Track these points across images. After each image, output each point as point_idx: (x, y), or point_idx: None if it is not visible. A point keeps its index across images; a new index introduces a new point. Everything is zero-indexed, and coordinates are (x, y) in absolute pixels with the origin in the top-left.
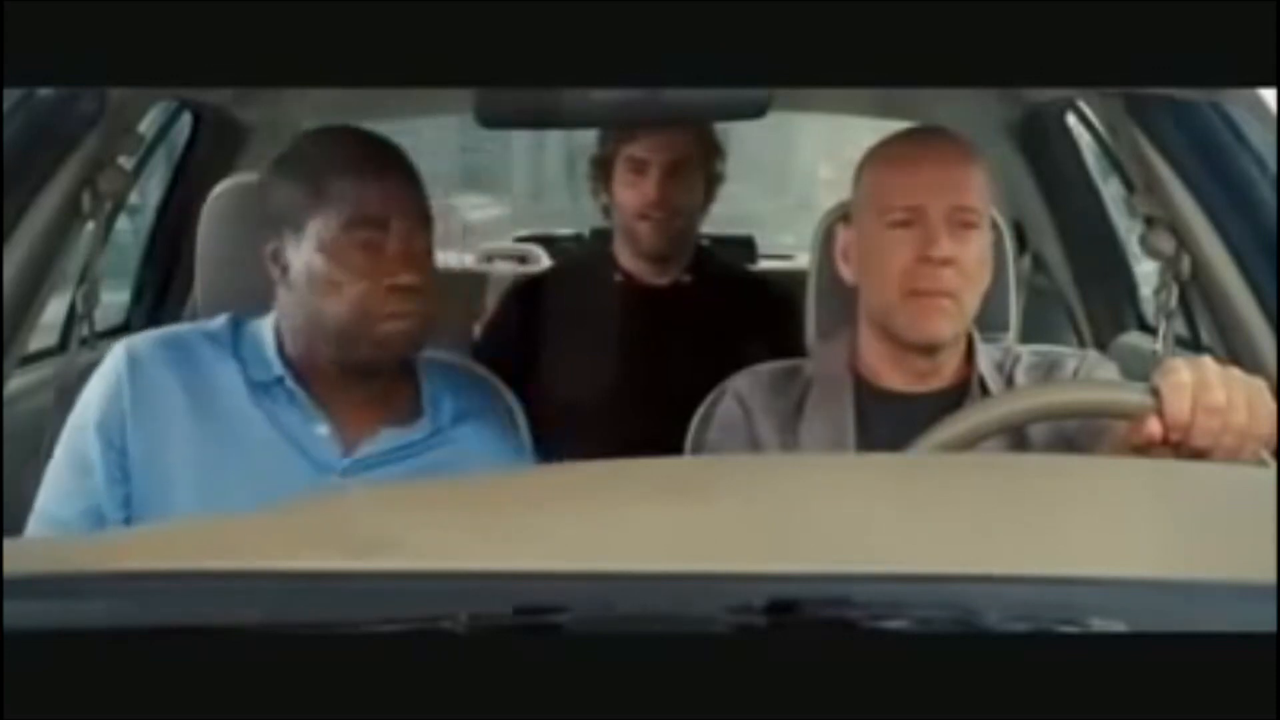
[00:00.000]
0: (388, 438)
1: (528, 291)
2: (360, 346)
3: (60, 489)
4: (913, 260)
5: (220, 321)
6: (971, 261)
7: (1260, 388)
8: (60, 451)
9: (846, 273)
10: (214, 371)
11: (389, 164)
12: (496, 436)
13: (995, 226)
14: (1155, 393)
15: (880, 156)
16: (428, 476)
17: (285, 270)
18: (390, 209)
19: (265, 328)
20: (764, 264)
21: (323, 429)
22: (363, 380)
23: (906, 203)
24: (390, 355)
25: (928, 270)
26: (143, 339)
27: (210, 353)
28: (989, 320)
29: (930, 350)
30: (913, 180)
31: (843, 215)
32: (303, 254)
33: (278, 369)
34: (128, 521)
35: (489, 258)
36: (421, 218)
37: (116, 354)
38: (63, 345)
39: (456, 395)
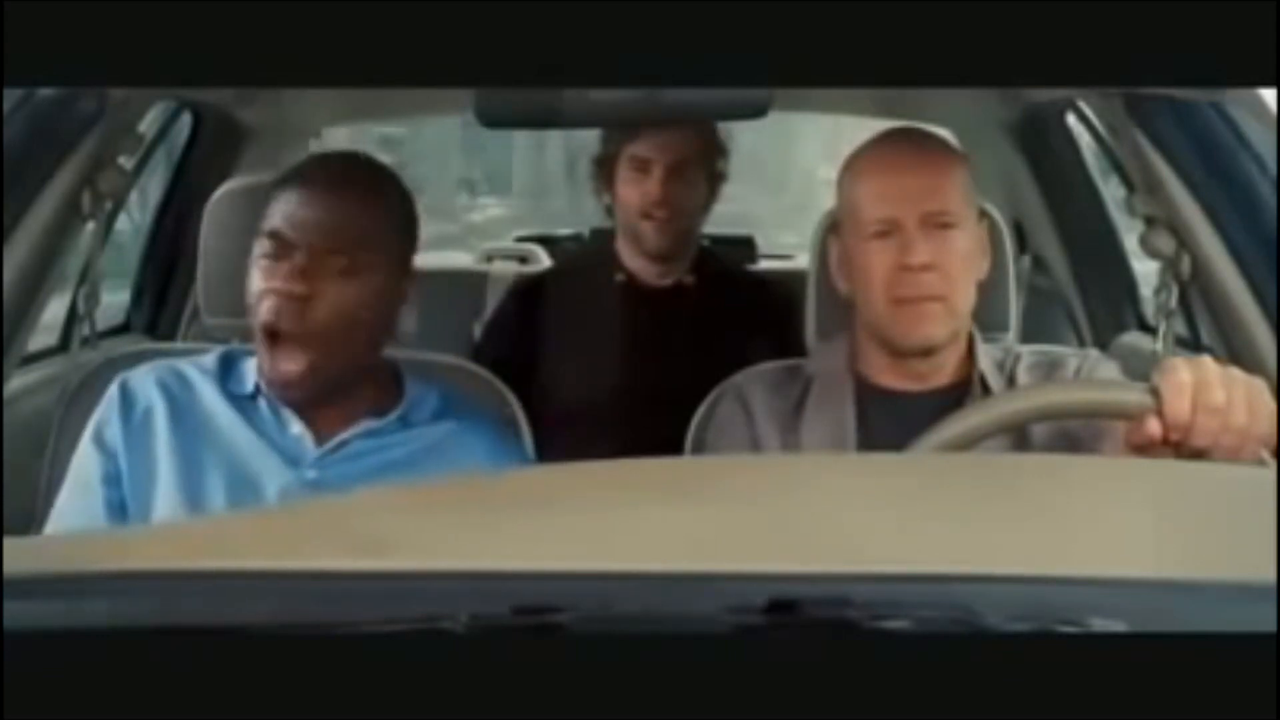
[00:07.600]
0: (357, 428)
1: (528, 291)
2: (264, 355)
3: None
4: (893, 269)
5: (211, 356)
6: (954, 262)
7: (1260, 388)
8: (66, 481)
9: (840, 284)
10: (199, 391)
11: (313, 181)
12: (490, 436)
13: (993, 225)
14: (1155, 393)
15: (853, 169)
16: (405, 471)
17: None
18: (299, 225)
19: (252, 358)
20: (764, 264)
21: (296, 428)
22: (326, 384)
23: (880, 215)
24: (290, 371)
25: (909, 277)
26: (136, 371)
27: (197, 377)
28: (989, 320)
29: (926, 353)
30: (884, 192)
31: (831, 226)
32: None
33: (253, 381)
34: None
35: (489, 258)
36: (335, 242)
37: (112, 388)
38: (63, 345)
39: (444, 394)
